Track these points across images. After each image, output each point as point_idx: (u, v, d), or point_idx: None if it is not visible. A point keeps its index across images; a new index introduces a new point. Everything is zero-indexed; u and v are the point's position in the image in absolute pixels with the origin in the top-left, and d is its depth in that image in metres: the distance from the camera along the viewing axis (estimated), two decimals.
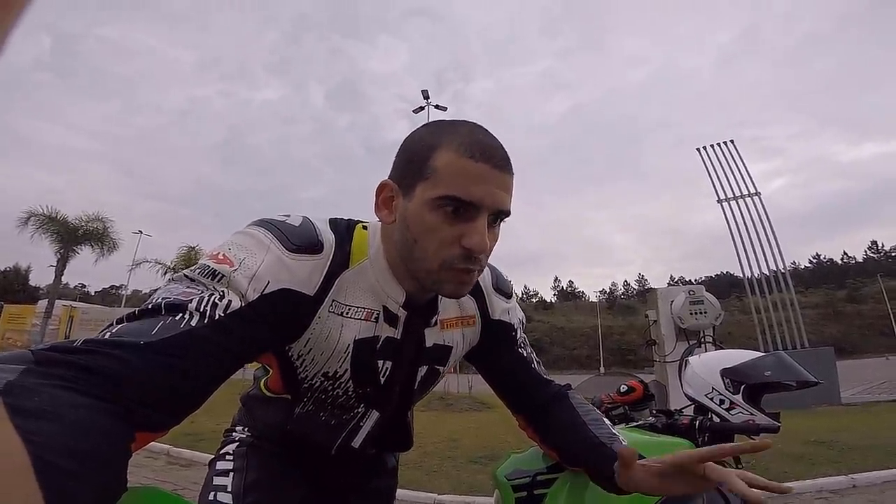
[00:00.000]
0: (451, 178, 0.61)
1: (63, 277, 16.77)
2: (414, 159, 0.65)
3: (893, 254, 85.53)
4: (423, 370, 0.81)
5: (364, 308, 0.70)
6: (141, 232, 40.91)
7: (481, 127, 0.67)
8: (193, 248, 16.96)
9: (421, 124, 0.72)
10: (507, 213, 0.66)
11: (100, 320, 16.66)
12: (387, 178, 0.70)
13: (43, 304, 15.65)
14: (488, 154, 0.62)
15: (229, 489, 0.80)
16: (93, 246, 16.38)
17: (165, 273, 16.65)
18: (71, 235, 15.78)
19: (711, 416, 1.14)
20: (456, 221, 0.62)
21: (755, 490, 0.59)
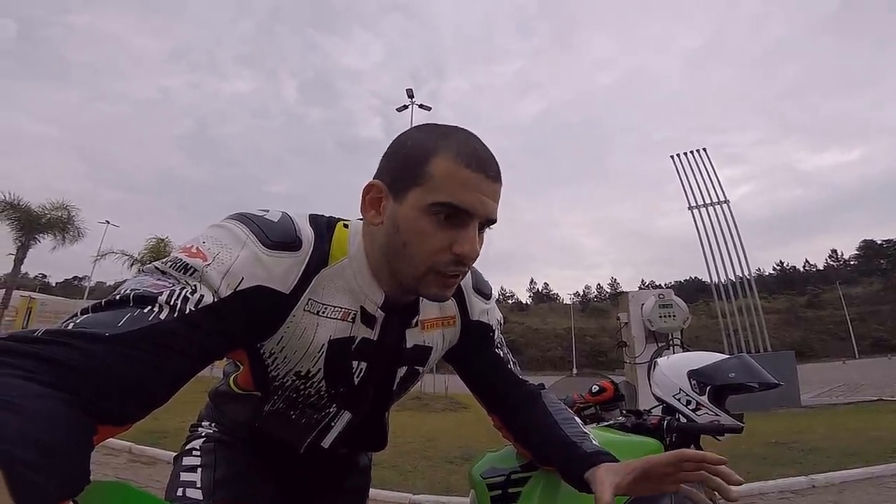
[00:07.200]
0: (448, 185, 0.61)
1: (23, 267, 15.98)
2: (408, 163, 0.64)
3: (852, 262, 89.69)
4: (402, 370, 0.81)
5: (341, 308, 0.69)
6: (108, 222, 39.47)
7: (475, 136, 0.67)
8: (163, 239, 16.44)
9: (410, 127, 0.73)
10: (495, 221, 0.67)
11: (59, 313, 15.94)
12: (374, 178, 0.69)
13: None
14: (484, 164, 0.63)
15: (199, 485, 0.78)
16: (55, 235, 15.69)
17: (132, 265, 16.09)
18: (33, 223, 15.06)
19: (679, 417, 1.17)
20: (448, 227, 0.63)
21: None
